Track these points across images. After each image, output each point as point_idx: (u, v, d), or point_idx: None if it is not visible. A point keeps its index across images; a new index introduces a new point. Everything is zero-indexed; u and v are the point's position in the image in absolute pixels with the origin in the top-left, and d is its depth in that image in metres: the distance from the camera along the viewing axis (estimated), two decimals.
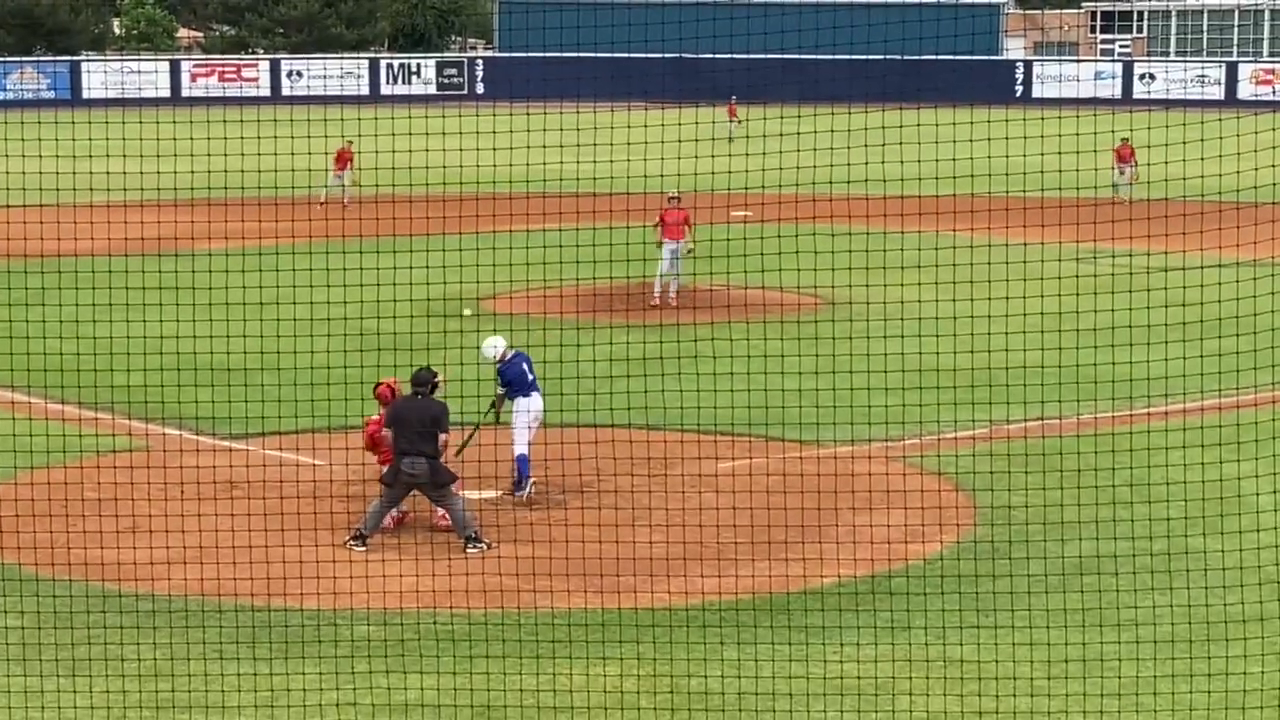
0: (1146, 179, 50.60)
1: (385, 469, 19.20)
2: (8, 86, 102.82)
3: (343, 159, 52.41)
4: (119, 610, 16.87)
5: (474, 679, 15.05)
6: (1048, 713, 14.54)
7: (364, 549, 18.76)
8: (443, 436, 18.96)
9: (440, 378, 19.62)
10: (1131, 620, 16.32)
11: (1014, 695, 14.54)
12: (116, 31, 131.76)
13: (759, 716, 14.53)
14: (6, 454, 19.69)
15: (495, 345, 21.36)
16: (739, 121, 66.93)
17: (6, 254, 35.51)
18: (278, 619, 16.56)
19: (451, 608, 16.99)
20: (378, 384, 20.22)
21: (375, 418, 19.89)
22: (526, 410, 20.92)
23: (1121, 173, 51.48)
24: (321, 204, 49.05)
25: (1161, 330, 24.10)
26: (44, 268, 35.87)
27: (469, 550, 18.75)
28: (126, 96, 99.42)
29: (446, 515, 19.24)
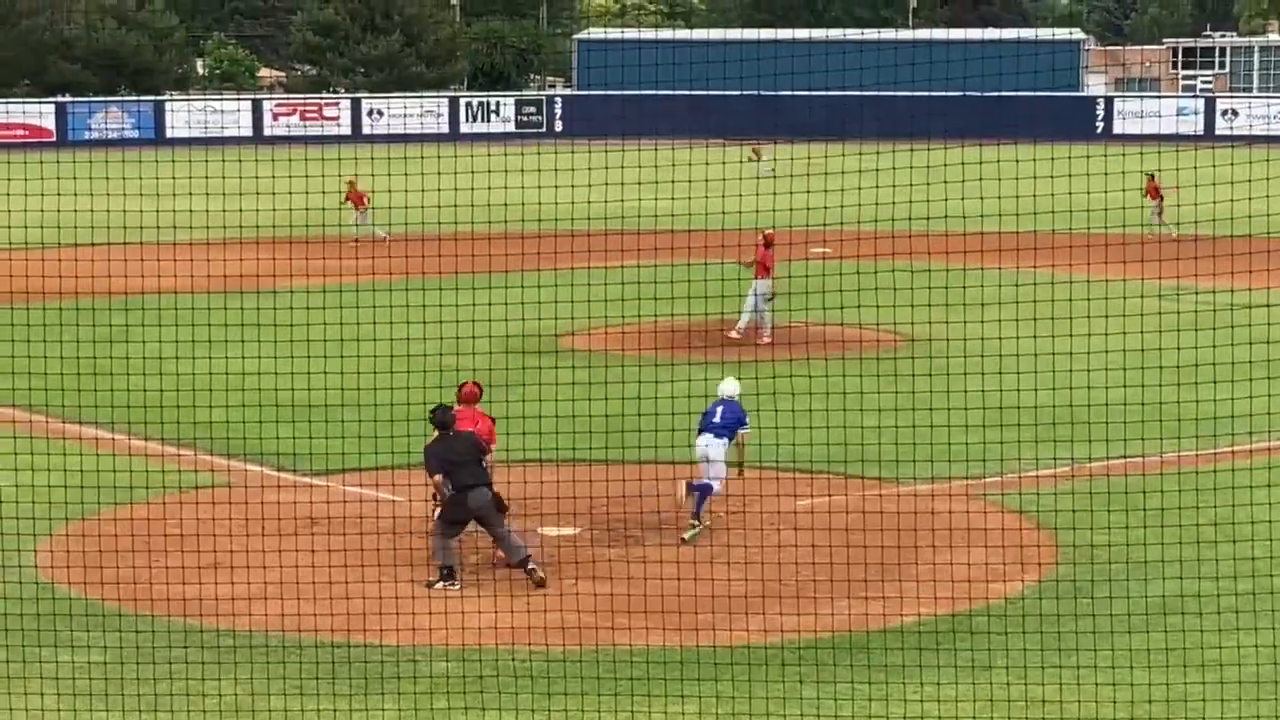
0: (1230, 215, 50.16)
1: (445, 505, 19.13)
2: (93, 126, 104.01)
3: (357, 199, 49.94)
4: (200, 646, 16.96)
5: (552, 716, 15.03)
6: None
7: (456, 585, 18.70)
8: (488, 458, 19.45)
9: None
10: (1216, 661, 16.12)
11: None
12: (200, 71, 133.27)
13: None
14: (90, 490, 19.83)
15: (737, 385, 22.02)
16: (759, 159, 64.68)
17: (91, 291, 35.87)
18: (357, 655, 16.60)
19: (530, 645, 16.98)
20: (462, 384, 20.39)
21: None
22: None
23: (1156, 211, 51.23)
24: (372, 240, 48.08)
25: (1246, 368, 23.86)
26: (128, 305, 36.22)
27: (529, 571, 18.75)
28: (210, 135, 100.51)
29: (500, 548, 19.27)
